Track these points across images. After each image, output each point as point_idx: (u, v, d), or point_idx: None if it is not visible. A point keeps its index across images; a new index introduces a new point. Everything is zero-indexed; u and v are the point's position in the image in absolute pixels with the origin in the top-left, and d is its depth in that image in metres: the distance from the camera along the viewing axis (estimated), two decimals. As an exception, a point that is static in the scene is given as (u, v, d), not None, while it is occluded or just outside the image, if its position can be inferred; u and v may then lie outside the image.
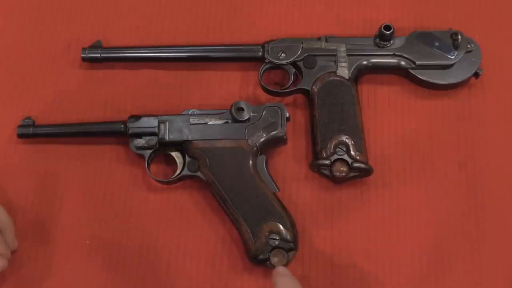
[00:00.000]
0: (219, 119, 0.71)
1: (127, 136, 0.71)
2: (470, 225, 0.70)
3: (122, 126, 0.71)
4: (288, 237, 0.67)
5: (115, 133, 0.72)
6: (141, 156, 0.71)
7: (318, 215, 0.71)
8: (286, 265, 0.66)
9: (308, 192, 0.72)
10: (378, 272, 0.69)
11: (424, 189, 0.72)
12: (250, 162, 0.69)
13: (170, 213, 0.72)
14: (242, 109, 0.70)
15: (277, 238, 0.66)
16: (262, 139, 0.70)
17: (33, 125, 0.73)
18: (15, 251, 0.69)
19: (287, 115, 0.71)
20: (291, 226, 0.67)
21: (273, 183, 0.69)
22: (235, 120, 0.70)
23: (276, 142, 0.71)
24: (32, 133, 0.73)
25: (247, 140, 0.70)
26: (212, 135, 0.70)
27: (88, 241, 0.71)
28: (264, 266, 0.67)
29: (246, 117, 0.70)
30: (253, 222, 0.67)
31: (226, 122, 0.71)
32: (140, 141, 0.71)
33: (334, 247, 0.70)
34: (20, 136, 0.73)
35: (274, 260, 0.66)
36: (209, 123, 0.71)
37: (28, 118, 0.73)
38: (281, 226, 0.67)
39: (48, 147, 0.75)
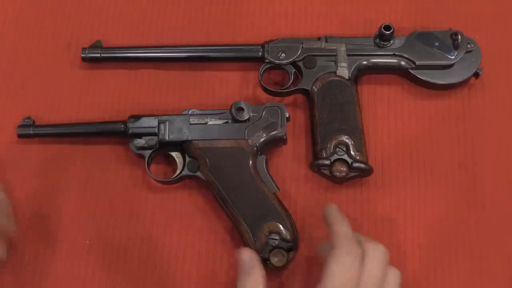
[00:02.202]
0: (219, 119, 0.71)
1: (127, 136, 0.71)
2: (470, 224, 0.70)
3: (122, 126, 0.71)
4: (288, 237, 0.67)
5: (115, 133, 0.72)
6: (141, 156, 0.71)
7: (318, 215, 0.71)
8: (286, 265, 0.66)
9: (308, 192, 0.72)
10: (378, 272, 0.69)
11: (424, 189, 0.72)
12: (250, 162, 0.69)
13: (170, 213, 0.72)
14: (242, 109, 0.70)
15: (277, 238, 0.66)
16: (262, 139, 0.70)
17: (33, 125, 0.73)
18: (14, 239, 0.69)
19: (287, 115, 0.71)
20: (291, 226, 0.67)
21: (273, 183, 0.69)
22: (235, 120, 0.70)
23: (276, 142, 0.71)
24: (32, 133, 0.73)
25: (247, 140, 0.70)
26: (212, 135, 0.70)
27: (88, 241, 0.71)
28: (264, 266, 0.66)
29: (246, 117, 0.70)
30: (253, 222, 0.67)
31: (226, 122, 0.71)
32: (140, 141, 0.71)
33: (334, 247, 0.70)
34: (20, 136, 0.73)
35: (274, 260, 0.66)
36: (209, 123, 0.71)
37: (28, 118, 0.73)
38: (281, 226, 0.67)
39: (47, 147, 0.75)
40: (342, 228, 0.61)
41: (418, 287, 0.68)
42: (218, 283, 0.69)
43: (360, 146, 0.70)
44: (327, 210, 0.64)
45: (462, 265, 0.69)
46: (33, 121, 0.73)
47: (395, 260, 0.69)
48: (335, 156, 0.70)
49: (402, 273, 0.68)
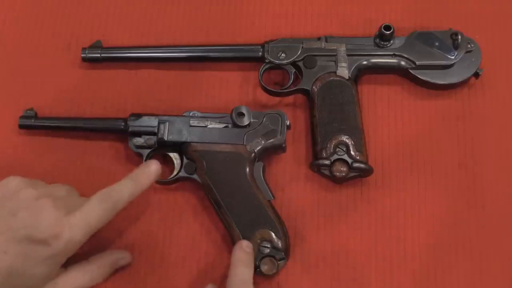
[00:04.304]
0: (219, 122, 0.70)
1: (127, 133, 0.71)
2: (470, 224, 0.70)
3: (123, 123, 0.71)
4: (280, 246, 0.66)
5: (115, 130, 0.72)
6: (140, 155, 0.71)
7: (318, 215, 0.71)
8: (275, 273, 0.66)
9: (308, 192, 0.72)
10: (378, 272, 0.69)
11: (424, 189, 0.72)
12: (247, 168, 0.69)
13: (170, 212, 0.72)
14: (242, 114, 0.70)
15: (269, 246, 0.66)
16: (260, 146, 0.69)
17: (35, 116, 0.73)
18: None
19: (288, 123, 0.71)
20: (284, 235, 0.67)
21: (268, 190, 0.69)
22: (235, 125, 0.70)
23: (275, 150, 0.71)
24: (33, 124, 0.73)
25: (245, 145, 0.69)
26: (211, 138, 0.70)
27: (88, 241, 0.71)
28: (253, 273, 0.65)
29: (246, 123, 0.70)
30: (246, 228, 0.67)
31: (226, 126, 0.70)
32: (139, 140, 0.71)
33: (334, 247, 0.70)
34: (22, 127, 0.73)
35: (264, 268, 0.65)
36: (209, 126, 0.70)
37: (31, 109, 0.73)
38: (273, 234, 0.67)
39: (47, 146, 0.75)
40: (241, 271, 0.62)
41: (418, 287, 0.68)
42: (218, 283, 0.69)
43: (360, 146, 0.70)
44: (234, 250, 0.65)
45: (462, 265, 0.69)
46: (35, 113, 0.73)
47: (395, 260, 0.69)
48: (335, 156, 0.70)
49: (402, 273, 0.69)
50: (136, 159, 0.73)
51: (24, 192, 0.61)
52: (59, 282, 0.62)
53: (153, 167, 0.65)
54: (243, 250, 0.65)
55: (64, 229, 0.59)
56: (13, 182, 0.62)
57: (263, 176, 0.69)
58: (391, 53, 0.75)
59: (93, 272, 0.65)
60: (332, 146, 0.70)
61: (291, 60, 0.75)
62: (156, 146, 0.71)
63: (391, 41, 0.75)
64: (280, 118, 0.70)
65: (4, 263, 0.57)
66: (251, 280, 0.63)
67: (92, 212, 0.61)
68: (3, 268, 0.57)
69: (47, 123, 0.73)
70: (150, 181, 0.65)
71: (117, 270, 0.68)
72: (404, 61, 0.74)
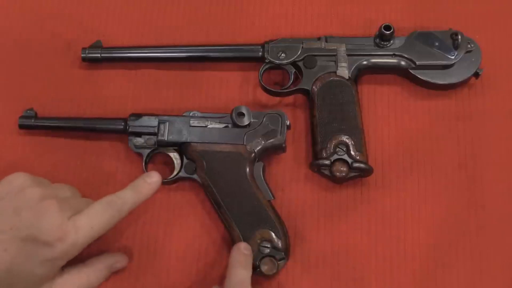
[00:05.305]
0: (219, 122, 0.71)
1: (127, 134, 0.71)
2: (470, 224, 0.70)
3: (123, 123, 0.71)
4: (280, 246, 0.66)
5: (115, 130, 0.72)
6: (140, 155, 0.71)
7: (318, 215, 0.71)
8: (275, 273, 0.66)
9: (308, 192, 0.72)
10: (378, 272, 0.69)
11: (424, 189, 0.72)
12: (247, 168, 0.69)
13: (170, 212, 0.72)
14: (242, 114, 0.70)
15: (269, 246, 0.66)
16: (260, 146, 0.69)
17: (35, 116, 0.73)
18: None
19: (288, 123, 0.71)
20: (284, 235, 0.67)
21: (268, 190, 0.69)
22: (235, 125, 0.70)
23: (275, 150, 0.71)
24: (33, 124, 0.73)
25: (245, 145, 0.69)
26: (211, 138, 0.70)
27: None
28: (253, 273, 0.65)
29: (246, 123, 0.70)
30: (246, 228, 0.67)
31: (226, 126, 0.70)
32: (139, 140, 0.71)
33: (334, 247, 0.70)
34: (21, 127, 0.73)
35: (264, 268, 0.66)
36: (209, 126, 0.70)
37: (31, 109, 0.73)
38: (273, 234, 0.67)
39: (47, 146, 0.75)
40: (239, 272, 0.62)
41: (418, 287, 0.68)
42: (218, 283, 0.69)
43: (360, 146, 0.70)
44: (232, 251, 0.65)
45: (462, 265, 0.69)
46: (35, 113, 0.73)
47: (395, 260, 0.69)
48: (335, 156, 0.70)
49: (402, 273, 0.69)
50: (136, 159, 0.73)
51: (29, 191, 0.61)
52: (56, 284, 0.62)
53: (154, 179, 0.65)
54: (241, 252, 0.65)
55: (70, 232, 0.59)
56: (19, 179, 0.62)
57: (263, 176, 0.69)
58: (391, 53, 0.75)
59: (90, 275, 0.65)
60: (332, 146, 0.70)
61: (291, 60, 0.75)
62: (156, 146, 0.71)
63: (391, 41, 0.75)
64: (280, 118, 0.70)
65: (4, 262, 0.57)
66: (249, 282, 0.63)
67: (97, 217, 0.61)
68: (3, 266, 0.57)
69: (47, 123, 0.73)
70: (152, 192, 0.65)
71: (116, 271, 0.68)
72: (404, 61, 0.75)
